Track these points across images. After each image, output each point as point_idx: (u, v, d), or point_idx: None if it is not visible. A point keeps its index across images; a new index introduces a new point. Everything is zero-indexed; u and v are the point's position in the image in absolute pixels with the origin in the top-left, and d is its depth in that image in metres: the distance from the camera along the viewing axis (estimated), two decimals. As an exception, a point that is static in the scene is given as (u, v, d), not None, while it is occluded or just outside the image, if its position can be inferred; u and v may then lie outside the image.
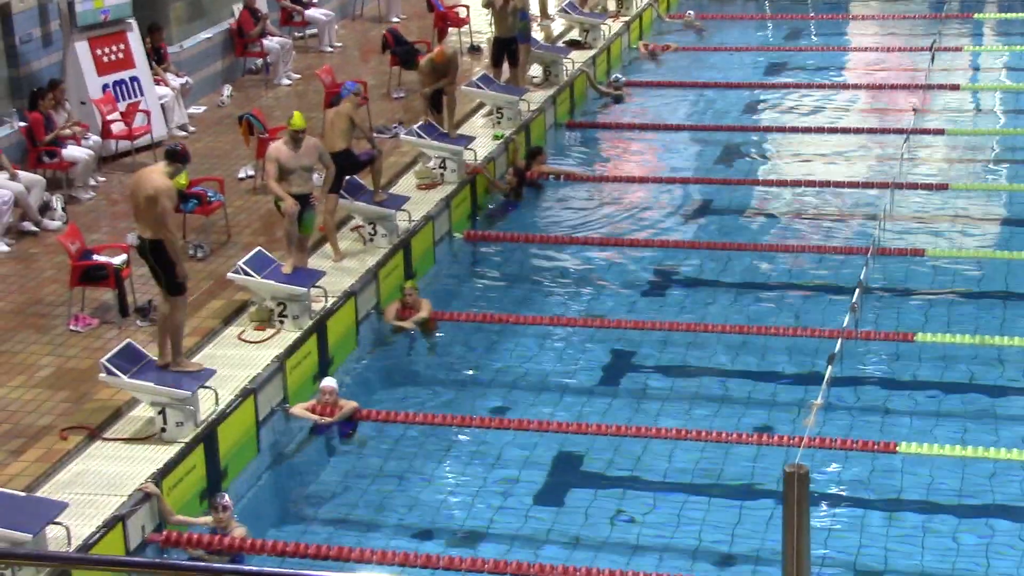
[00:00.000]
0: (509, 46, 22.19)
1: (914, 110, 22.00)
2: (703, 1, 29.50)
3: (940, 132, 21.70)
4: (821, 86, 24.84)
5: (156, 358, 13.55)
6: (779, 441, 13.70)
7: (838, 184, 20.04)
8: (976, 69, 25.70)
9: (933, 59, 23.95)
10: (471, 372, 15.58)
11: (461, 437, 14.28)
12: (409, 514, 13.13)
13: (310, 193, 15.86)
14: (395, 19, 26.56)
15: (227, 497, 12.47)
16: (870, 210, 18.99)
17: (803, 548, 8.30)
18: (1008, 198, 19.75)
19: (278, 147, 15.69)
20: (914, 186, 19.56)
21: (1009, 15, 28.46)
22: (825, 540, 12.27)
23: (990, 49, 27.03)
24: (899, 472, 13.39)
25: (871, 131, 22.22)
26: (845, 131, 22.32)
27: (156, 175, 13.48)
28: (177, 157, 13.62)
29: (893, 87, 23.99)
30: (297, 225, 15.61)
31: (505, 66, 22.24)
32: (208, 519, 12.46)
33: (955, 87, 23.80)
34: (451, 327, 16.23)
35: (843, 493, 13.19)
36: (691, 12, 28.61)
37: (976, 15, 28.13)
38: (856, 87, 24.94)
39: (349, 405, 14.24)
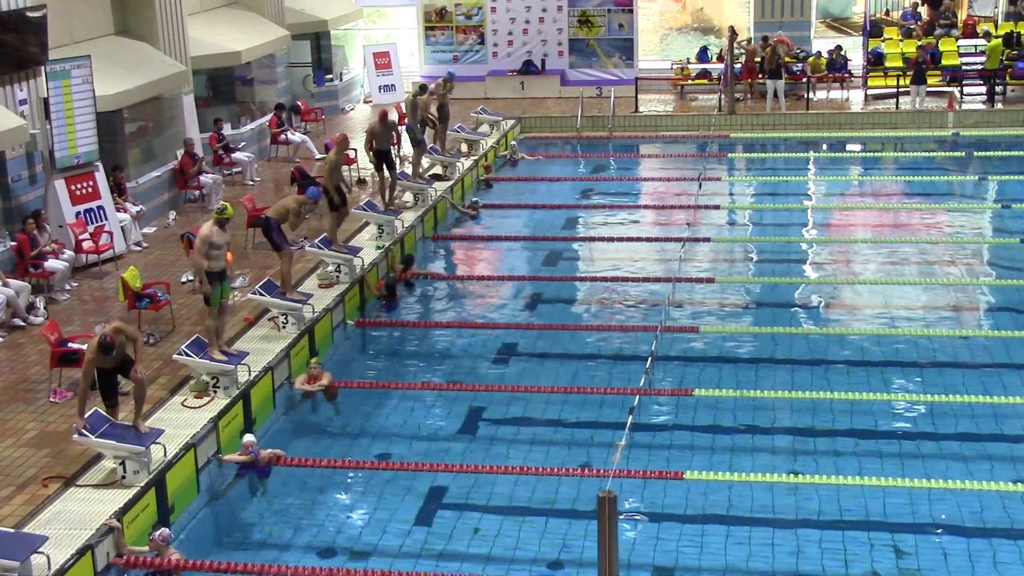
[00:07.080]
0: (387, 156, 22.18)
1: (687, 223, 22.34)
2: (531, 143, 29.69)
3: (707, 240, 22.02)
4: (620, 206, 25.09)
5: (117, 422, 13.23)
6: (595, 473, 13.67)
7: (634, 279, 20.17)
8: (732, 193, 26.19)
9: (700, 186, 24.41)
10: (362, 426, 15.34)
11: (356, 477, 14.05)
12: (315, 537, 12.84)
13: (224, 269, 15.34)
14: (316, 158, 26.29)
15: (156, 532, 11.97)
16: (658, 298, 19.11)
17: (613, 554, 8.28)
18: (759, 288, 20.06)
19: (210, 227, 15.06)
20: (689, 280, 19.77)
21: (753, 155, 29.16)
22: (630, 547, 12.25)
23: (741, 179, 27.54)
24: (685, 494, 13.42)
25: (657, 239, 22.41)
26: (638, 239, 22.48)
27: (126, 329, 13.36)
28: (103, 346, 12.96)
29: (672, 207, 24.29)
30: (218, 313, 15.23)
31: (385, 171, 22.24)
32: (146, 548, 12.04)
33: (717, 207, 24.20)
34: (347, 392, 15.95)
35: (643, 511, 13.17)
36: (515, 143, 28.76)
37: (730, 154, 28.74)
38: (645, 207, 25.22)
39: (275, 452, 13.94)
